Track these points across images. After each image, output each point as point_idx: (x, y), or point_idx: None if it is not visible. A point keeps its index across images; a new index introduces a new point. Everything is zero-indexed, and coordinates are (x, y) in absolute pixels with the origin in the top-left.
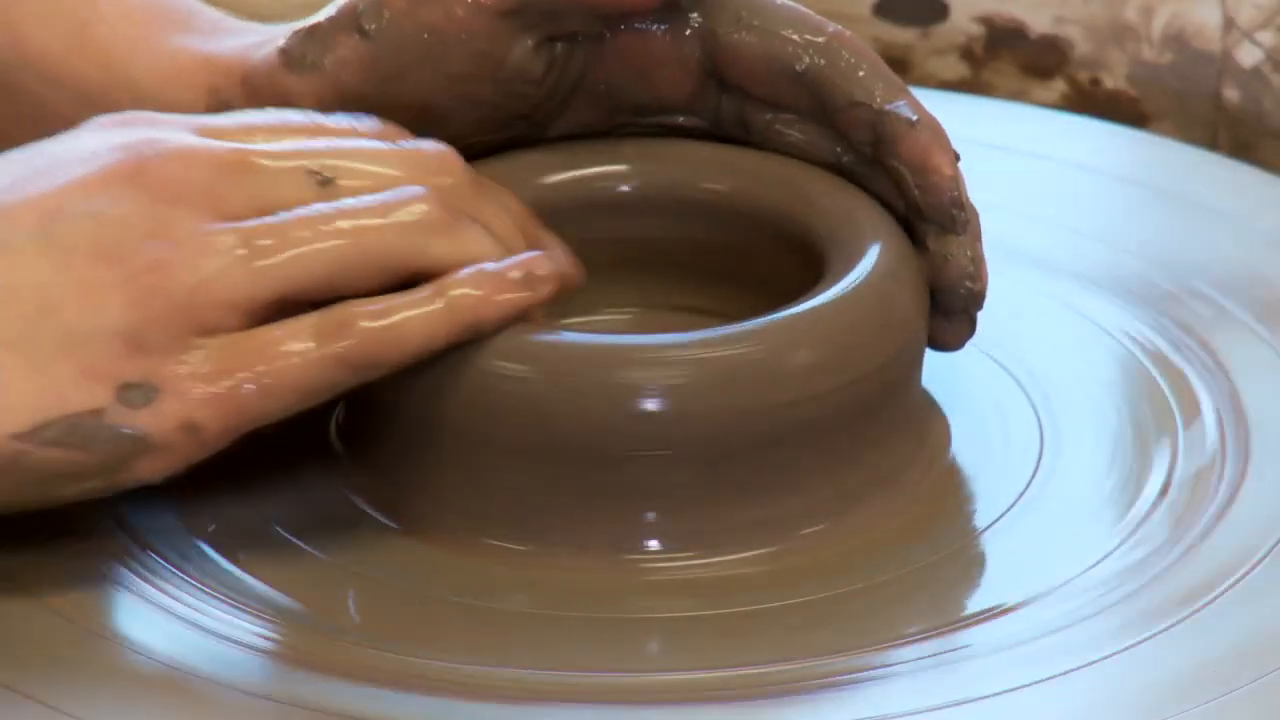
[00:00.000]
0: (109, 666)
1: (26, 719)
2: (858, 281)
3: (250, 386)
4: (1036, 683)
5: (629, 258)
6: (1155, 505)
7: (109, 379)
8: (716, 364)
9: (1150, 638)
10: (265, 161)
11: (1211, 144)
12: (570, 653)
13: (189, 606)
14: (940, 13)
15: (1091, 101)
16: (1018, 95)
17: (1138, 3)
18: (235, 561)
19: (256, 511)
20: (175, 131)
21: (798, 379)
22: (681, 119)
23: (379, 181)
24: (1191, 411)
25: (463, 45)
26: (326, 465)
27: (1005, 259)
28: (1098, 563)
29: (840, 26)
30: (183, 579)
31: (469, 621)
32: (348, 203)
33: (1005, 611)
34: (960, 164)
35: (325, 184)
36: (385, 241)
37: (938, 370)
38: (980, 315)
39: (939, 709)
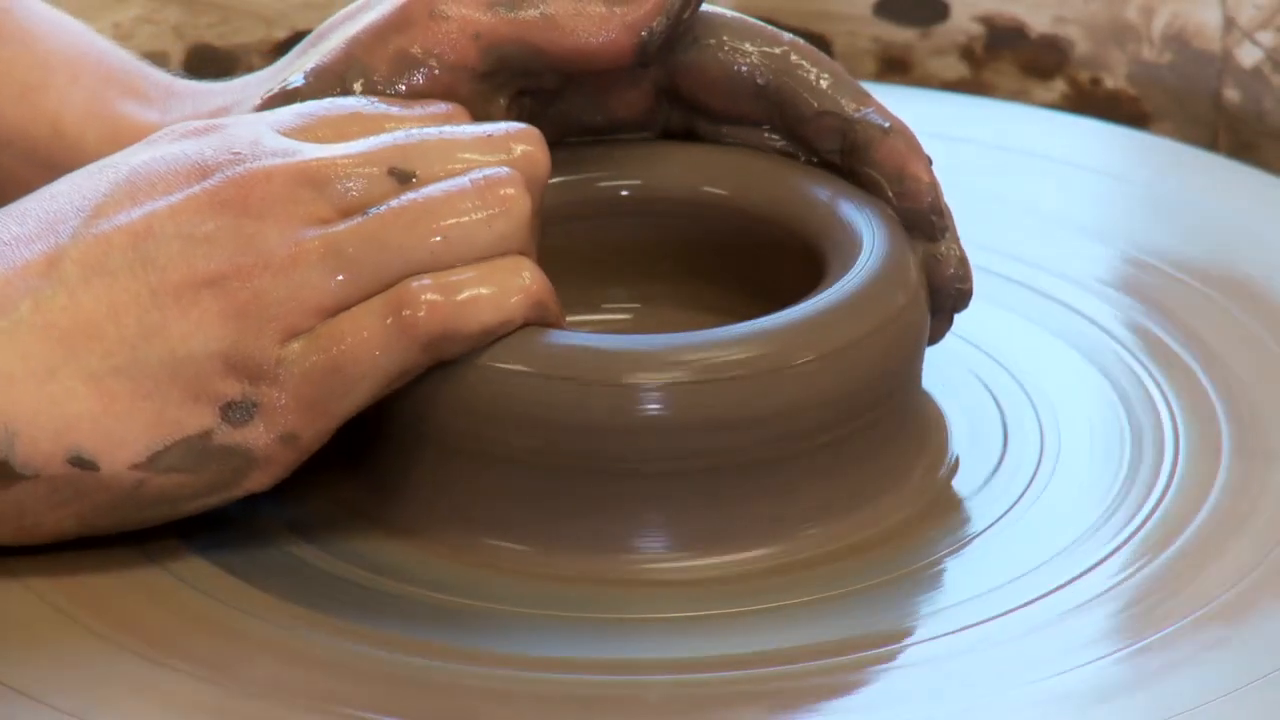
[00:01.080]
0: (109, 665)
1: (25, 718)
2: (859, 282)
3: (329, 381)
4: (1038, 683)
5: (629, 258)
6: (1155, 506)
7: (213, 400)
8: (719, 367)
9: (1151, 638)
10: (345, 167)
11: (1211, 144)
12: (570, 654)
13: (190, 607)
14: (940, 13)
15: (1091, 101)
16: (1018, 95)
17: (1138, 3)
18: (234, 564)
19: (255, 514)
20: (249, 135)
21: (801, 382)
22: (628, 134)
23: (458, 172)
24: (1191, 412)
25: None
26: (326, 468)
27: (1004, 259)
28: (1098, 563)
29: (796, 37)
30: (183, 582)
31: (469, 623)
32: (435, 193)
33: (1006, 612)
34: (934, 166)
35: (406, 180)
36: (472, 236)
37: (938, 370)
38: (977, 314)
39: (940, 709)
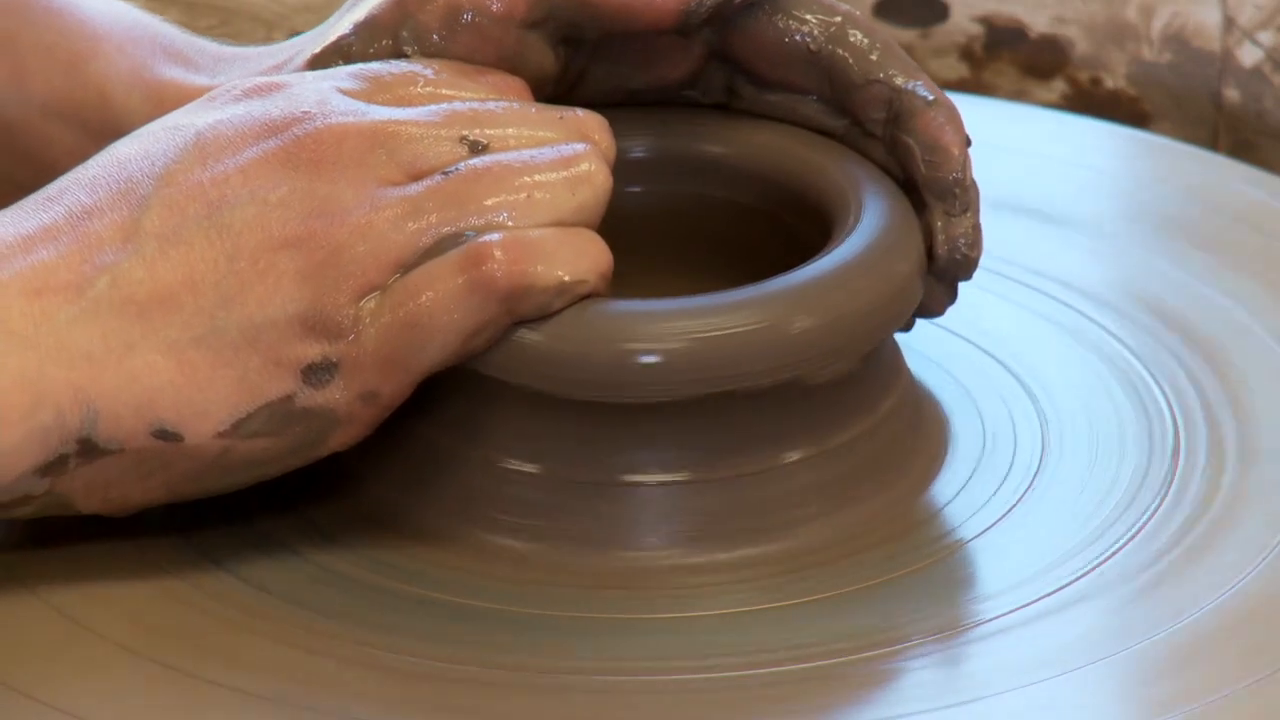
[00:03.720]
0: (110, 666)
1: (26, 718)
2: (857, 250)
3: (407, 336)
4: (1038, 683)
5: (635, 243)
6: (1157, 507)
7: (293, 364)
8: (716, 331)
9: (1152, 639)
10: (419, 130)
11: (1211, 144)
12: (567, 654)
13: (191, 606)
14: (940, 13)
15: (1091, 101)
16: (1018, 95)
17: (1138, 2)
18: (234, 563)
19: (256, 515)
20: (315, 94)
21: (796, 345)
22: (671, 96)
23: (531, 145)
24: (1191, 412)
25: (493, 60)
26: (324, 472)
27: (1005, 259)
28: (1099, 564)
29: (851, 8)
30: (183, 581)
31: (467, 622)
32: (518, 157)
33: (1006, 613)
34: (970, 148)
35: (477, 149)
36: (556, 199)
37: (939, 370)
38: (976, 311)
39: (940, 710)
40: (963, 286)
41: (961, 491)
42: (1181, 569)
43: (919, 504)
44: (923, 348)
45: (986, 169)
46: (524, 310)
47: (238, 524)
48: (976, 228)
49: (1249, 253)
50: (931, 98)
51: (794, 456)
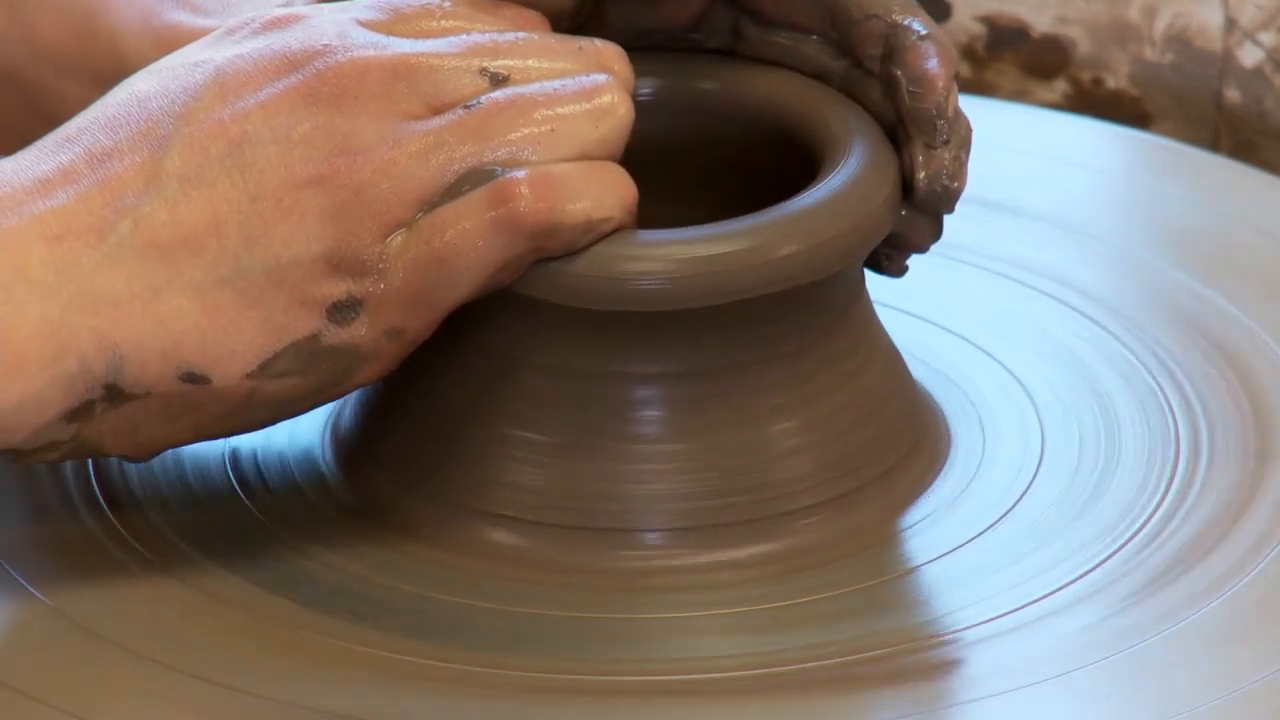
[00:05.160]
0: (110, 666)
1: (26, 718)
2: (839, 186)
3: (434, 273)
4: (1035, 684)
5: (638, 179)
6: (1156, 508)
7: (319, 302)
8: (702, 257)
9: (1151, 639)
10: (440, 63)
11: (1212, 144)
12: (564, 654)
13: (190, 605)
14: (942, 12)
15: (1093, 101)
16: (1020, 95)
17: (1140, 3)
18: (233, 562)
19: (256, 512)
20: (335, 27)
21: (781, 268)
22: (676, 38)
23: (553, 76)
24: (1192, 411)
25: None
26: (320, 474)
27: (1005, 258)
28: (1098, 565)
29: None
30: (182, 581)
31: (467, 621)
32: (539, 89)
33: (1003, 615)
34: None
35: (498, 81)
36: (579, 132)
37: (939, 370)
38: (974, 311)
39: (936, 713)
40: (965, 288)
41: (959, 494)
42: (1182, 570)
43: (916, 506)
44: (922, 350)
45: (987, 169)
46: (551, 247)
47: (237, 522)
48: (958, 160)
49: (1250, 254)
50: (925, 32)
51: (777, 352)
